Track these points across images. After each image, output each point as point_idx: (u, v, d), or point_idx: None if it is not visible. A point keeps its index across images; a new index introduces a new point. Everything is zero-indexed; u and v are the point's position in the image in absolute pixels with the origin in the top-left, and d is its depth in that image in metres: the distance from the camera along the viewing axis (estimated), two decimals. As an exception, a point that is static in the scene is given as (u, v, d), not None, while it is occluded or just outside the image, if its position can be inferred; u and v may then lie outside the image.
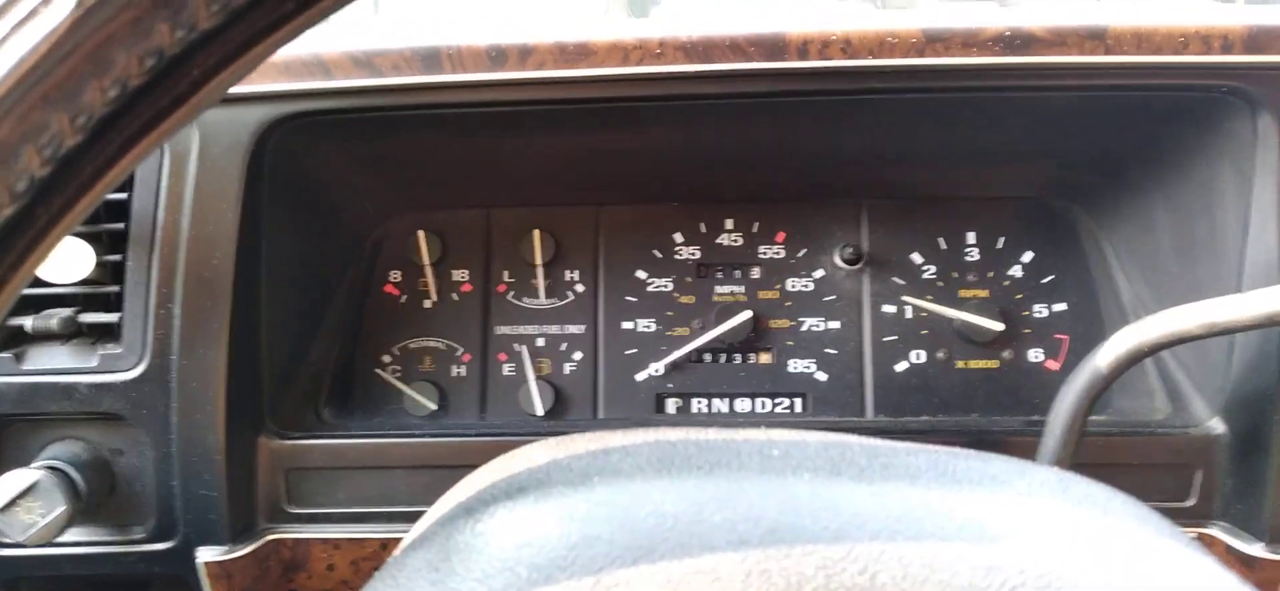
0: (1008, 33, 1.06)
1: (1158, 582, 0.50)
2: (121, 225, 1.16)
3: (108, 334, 1.20)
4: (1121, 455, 1.21)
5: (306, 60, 1.09)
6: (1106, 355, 1.02)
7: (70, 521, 1.16)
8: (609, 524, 0.52)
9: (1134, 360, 1.01)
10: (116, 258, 1.17)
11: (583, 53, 1.08)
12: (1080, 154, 1.30)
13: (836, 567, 0.48)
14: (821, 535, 0.51)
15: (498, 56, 1.08)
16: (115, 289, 1.18)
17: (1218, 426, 1.20)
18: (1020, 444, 1.24)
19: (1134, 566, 0.51)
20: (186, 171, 1.14)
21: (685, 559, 0.50)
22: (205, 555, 1.22)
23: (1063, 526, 0.54)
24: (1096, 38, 1.06)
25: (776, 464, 0.59)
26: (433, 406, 1.38)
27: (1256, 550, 1.15)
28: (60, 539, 1.21)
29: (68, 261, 1.15)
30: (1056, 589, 0.48)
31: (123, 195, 1.15)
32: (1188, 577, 0.52)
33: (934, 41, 1.07)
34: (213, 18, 0.47)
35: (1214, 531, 1.20)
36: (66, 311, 1.18)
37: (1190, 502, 1.21)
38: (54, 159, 0.46)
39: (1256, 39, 1.06)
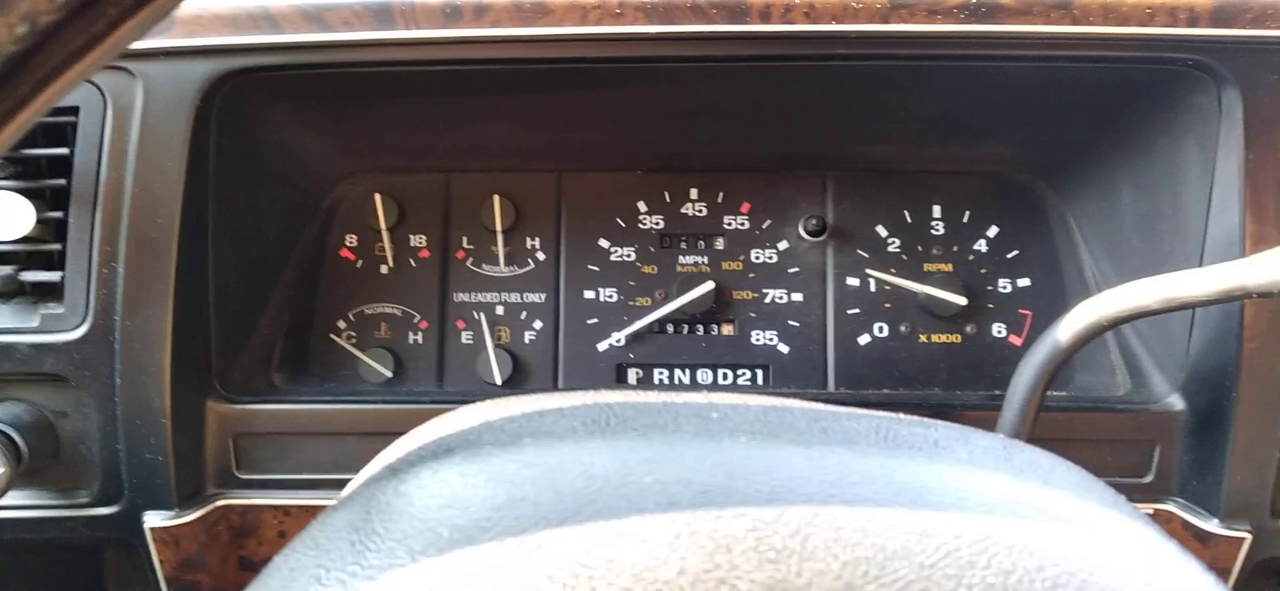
0: (973, 1, 1.04)
1: (1098, 551, 0.49)
2: (63, 181, 1.12)
3: (49, 293, 1.17)
4: (1081, 430, 1.21)
5: (253, 13, 1.05)
6: (1066, 329, 1.01)
7: (10, 484, 1.13)
8: (535, 485, 0.51)
9: (1094, 334, 1.00)
10: (58, 215, 1.14)
11: (540, 11, 1.05)
12: (1046, 128, 1.29)
13: (768, 529, 0.47)
14: (754, 497, 0.49)
15: (452, 13, 1.05)
16: (57, 247, 1.14)
17: (1177, 403, 1.20)
18: (980, 418, 1.23)
19: (1073, 534, 0.50)
20: (130, 127, 1.10)
21: (613, 520, 0.48)
22: (152, 520, 1.19)
23: (1002, 493, 0.52)
24: (1063, 8, 1.05)
25: (713, 426, 0.57)
26: (388, 374, 1.36)
27: (1212, 526, 1.16)
28: (2, 502, 1.19)
29: (8, 218, 1.12)
30: (992, 555, 0.46)
31: (64, 150, 1.12)
32: (1129, 547, 0.51)
33: (899, 8, 1.05)
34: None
35: (1171, 507, 1.20)
36: (7, 269, 1.15)
37: (1148, 478, 1.21)
38: (-44, 99, 0.44)
39: (1222, 13, 1.05)
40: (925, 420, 0.61)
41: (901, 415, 0.62)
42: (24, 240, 1.14)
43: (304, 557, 0.52)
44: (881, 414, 0.61)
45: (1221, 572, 1.15)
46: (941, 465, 0.55)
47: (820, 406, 0.62)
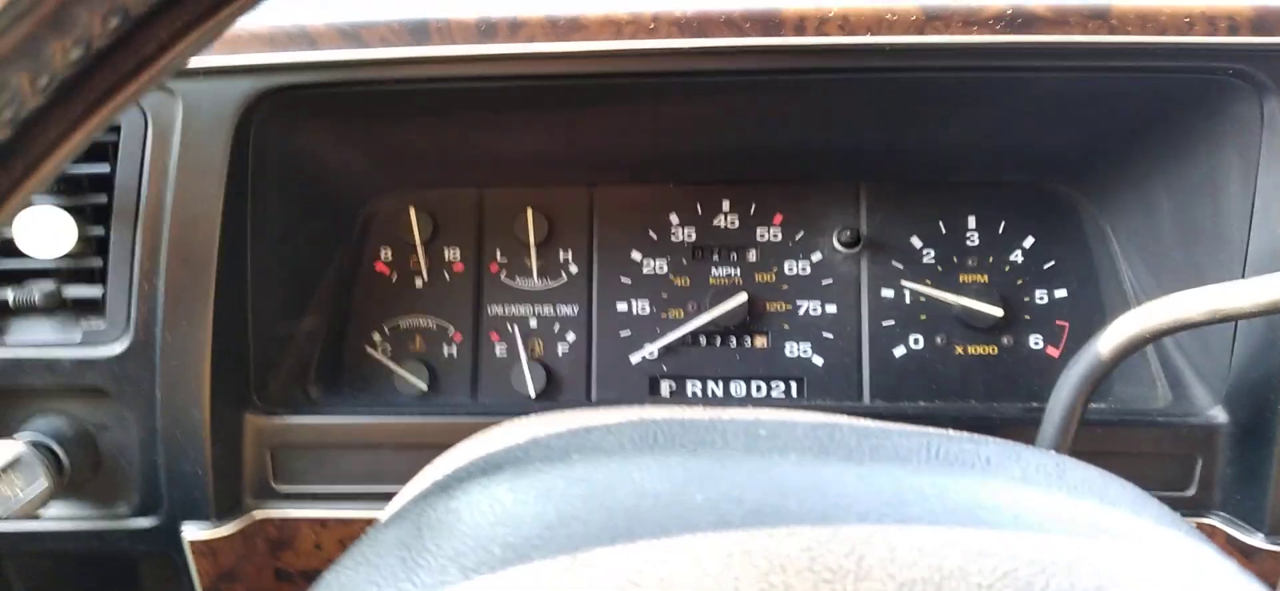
0: (1009, 11, 1.04)
1: (1155, 570, 0.48)
2: (104, 198, 1.14)
3: (91, 308, 1.18)
4: (1121, 444, 1.19)
5: (291, 32, 1.06)
6: (1107, 341, 1.00)
7: (52, 496, 1.14)
8: (587, 503, 0.51)
9: (1135, 347, 0.99)
10: (100, 231, 1.15)
11: (574, 26, 1.05)
12: (1083, 137, 1.27)
13: (822, 549, 0.46)
14: (807, 516, 0.49)
15: (487, 29, 1.06)
16: (98, 263, 1.16)
17: (1219, 415, 1.18)
18: (1019, 431, 1.20)
19: (1131, 553, 0.50)
20: (170, 144, 1.12)
21: (665, 539, 0.48)
22: (190, 532, 1.20)
23: (1058, 511, 0.52)
24: (1100, 17, 1.04)
25: (763, 444, 0.57)
26: (423, 386, 1.36)
27: (1257, 540, 1.14)
28: (43, 514, 1.20)
29: (50, 234, 1.13)
30: (1050, 575, 0.46)
31: (105, 168, 1.13)
32: (1186, 565, 0.50)
33: (934, 19, 1.04)
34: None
35: (1213, 521, 1.18)
36: (49, 285, 1.16)
37: (1190, 492, 1.19)
38: (14, 122, 0.44)
39: (1264, 20, 1.04)
40: (975, 437, 0.61)
41: (950, 432, 0.61)
42: (66, 256, 1.16)
43: (355, 574, 0.52)
44: (931, 430, 0.61)
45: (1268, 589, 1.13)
46: (995, 483, 0.55)
47: (868, 423, 0.61)
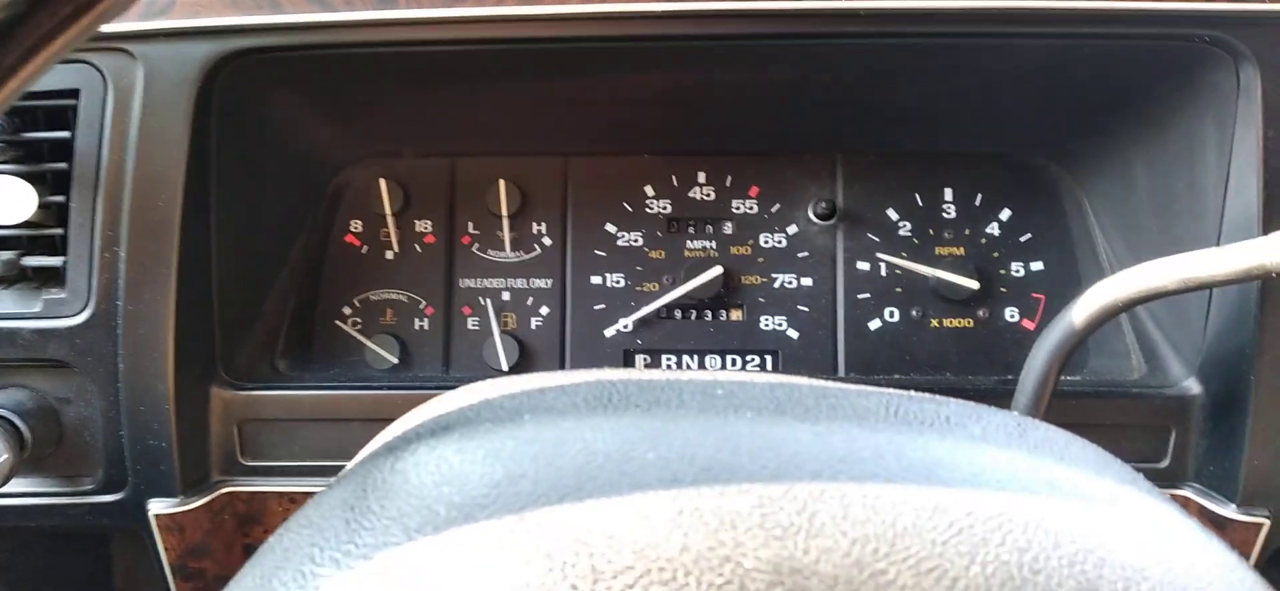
0: (984, -26, 1.02)
1: (1115, 527, 0.47)
2: (64, 165, 1.11)
3: (52, 278, 1.16)
4: (1095, 415, 1.19)
5: (255, -8, 1.04)
6: (1080, 311, 0.99)
7: (14, 471, 1.12)
8: (535, 462, 0.49)
9: (1109, 316, 0.98)
10: (60, 199, 1.13)
11: (543, -12, 1.04)
12: (1059, 108, 1.26)
13: (773, 506, 0.45)
14: (759, 473, 0.48)
15: (455, -9, 1.04)
16: (59, 231, 1.14)
17: (1193, 387, 1.18)
18: (993, 403, 1.18)
19: (1090, 511, 0.49)
20: (131, 109, 1.09)
21: (614, 496, 0.47)
22: (156, 507, 1.18)
23: (1016, 469, 0.51)
24: (1076, -19, 1.03)
25: (718, 403, 0.56)
26: (394, 360, 1.34)
27: (1229, 511, 1.14)
28: (5, 489, 1.18)
29: (9, 203, 1.11)
30: (1006, 531, 0.45)
31: (65, 134, 1.11)
32: (1147, 522, 0.49)
33: (908, -17, 1.03)
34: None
35: (1187, 493, 1.18)
36: (8, 254, 1.14)
37: (1164, 464, 1.19)
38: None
39: (1241, -14, 1.03)
40: (936, 397, 0.60)
41: (912, 392, 0.60)
42: (26, 225, 1.13)
43: (298, 536, 0.51)
44: (891, 391, 0.60)
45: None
46: (953, 441, 0.53)
47: (828, 383, 0.60)
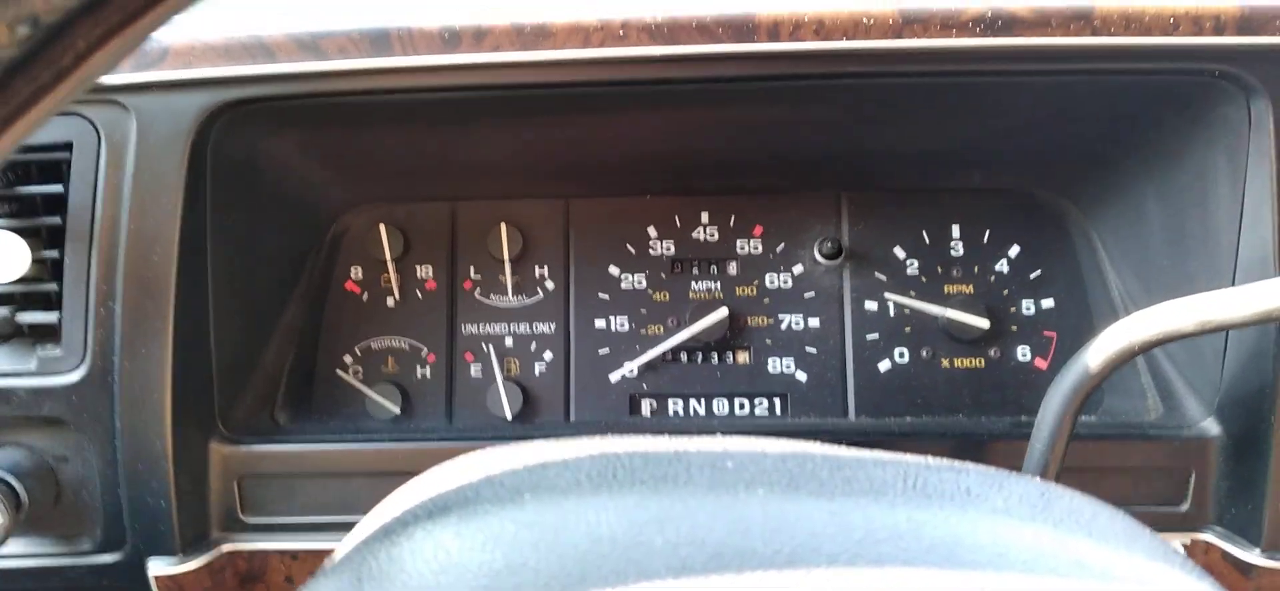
0: (989, 13, 1.01)
1: (1148, 610, 0.45)
2: (58, 220, 1.10)
3: (47, 335, 1.14)
4: (1113, 458, 1.16)
5: (247, 43, 1.03)
6: (1096, 354, 0.97)
7: (10, 532, 1.10)
8: (536, 549, 0.47)
9: (1126, 359, 0.96)
10: (54, 254, 1.11)
11: (541, 34, 1.02)
12: (1068, 143, 1.24)
13: (788, 597, 0.43)
14: (773, 559, 0.45)
15: (451, 38, 1.02)
16: (54, 287, 1.12)
17: (1212, 428, 1.15)
18: (1008, 447, 1.19)
19: (1122, 592, 0.46)
20: (124, 162, 1.08)
21: (620, 586, 0.44)
22: (156, 567, 1.16)
23: (1042, 546, 0.48)
24: (1082, 18, 1.01)
25: (729, 478, 0.53)
26: (396, 409, 1.32)
27: (1253, 556, 1.10)
28: (2, 551, 1.16)
29: (3, 258, 1.09)
30: (1035, 620, 0.42)
31: (58, 188, 1.09)
32: (1182, 604, 0.47)
33: (912, 23, 1.01)
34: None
35: (1209, 537, 1.15)
36: (3, 311, 1.12)
37: (1184, 507, 1.16)
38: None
39: (1250, 20, 1.01)
40: (955, 465, 0.57)
41: (931, 460, 0.58)
42: (20, 281, 1.12)
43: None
44: (909, 458, 0.57)
45: (1265, 605, 1.10)
46: (975, 515, 0.51)
47: (843, 452, 0.58)
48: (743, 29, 1.02)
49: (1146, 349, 0.95)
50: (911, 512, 0.50)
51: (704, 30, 1.02)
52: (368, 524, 0.59)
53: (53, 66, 0.44)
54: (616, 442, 0.59)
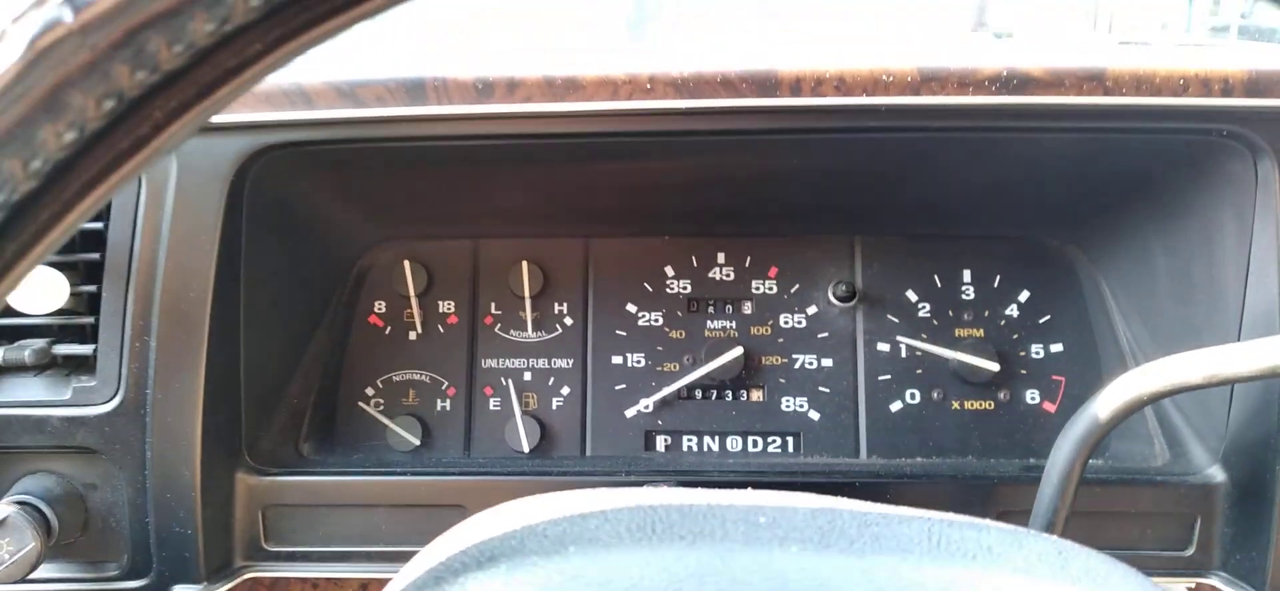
0: (1005, 73, 1.04)
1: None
2: (97, 255, 1.13)
3: (82, 366, 1.17)
4: (1120, 503, 1.19)
5: (288, 90, 1.06)
6: (1105, 403, 0.99)
7: (41, 558, 1.12)
8: (584, 600, 0.50)
9: (1134, 409, 0.98)
10: (92, 288, 1.14)
11: (571, 87, 1.05)
12: (1078, 194, 1.28)
13: (823, 652, 0.46)
14: (808, 615, 0.48)
15: (485, 89, 1.06)
16: (90, 320, 1.15)
17: (1217, 474, 1.18)
18: (1017, 489, 1.21)
19: (1137, 651, 0.49)
20: (164, 202, 1.11)
21: (663, 639, 0.47)
22: (180, 594, 1.18)
23: (1062, 607, 0.51)
24: (1095, 79, 1.04)
25: (763, 534, 0.56)
26: (416, 442, 1.35)
27: (1258, 602, 1.13)
28: (32, 576, 1.18)
29: (42, 292, 1.12)
30: (1055, 678, 0.45)
31: (99, 225, 1.13)
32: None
33: (930, 81, 1.05)
34: (176, 59, 0.45)
35: (1214, 581, 1.18)
36: (40, 342, 1.15)
37: (1189, 552, 1.18)
38: (6, 205, 0.44)
39: (1257, 83, 1.04)
40: (977, 522, 0.60)
41: (953, 516, 0.60)
42: (57, 313, 1.15)
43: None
44: (933, 515, 0.60)
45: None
46: (997, 574, 0.54)
47: (870, 507, 0.61)
48: (766, 85, 1.05)
49: (1154, 400, 0.98)
50: (937, 569, 0.53)
51: (728, 86, 1.05)
52: (415, 569, 0.62)
53: (132, 135, 0.47)
54: (653, 494, 0.62)
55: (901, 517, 0.59)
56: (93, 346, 1.15)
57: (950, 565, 0.54)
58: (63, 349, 1.16)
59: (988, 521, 0.61)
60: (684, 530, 0.56)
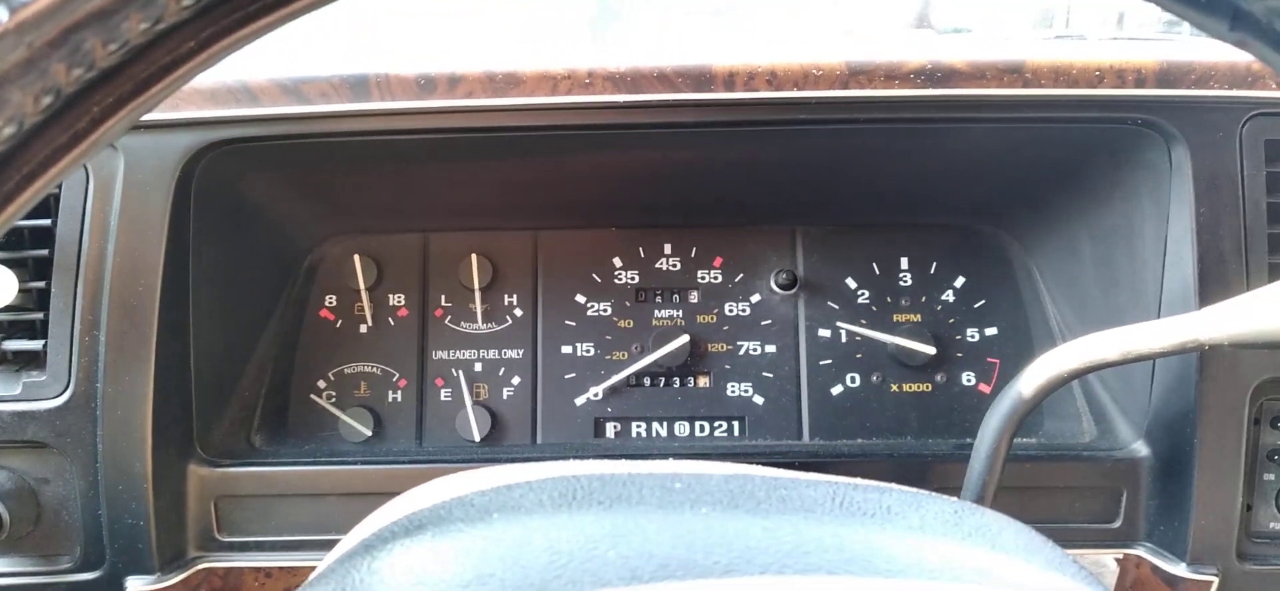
0: (929, 66, 1.08)
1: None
2: (46, 251, 1.14)
3: (31, 361, 1.18)
4: (1049, 478, 1.24)
5: (233, 87, 1.08)
6: (1028, 381, 1.04)
7: (-8, 552, 1.14)
8: (503, 561, 0.53)
9: (1055, 386, 1.03)
10: (40, 284, 1.15)
11: (511, 82, 1.08)
12: (1007, 183, 1.32)
13: (724, 602, 0.49)
14: (712, 568, 0.51)
15: (426, 85, 1.08)
16: (39, 315, 1.16)
17: (1141, 449, 1.23)
18: (950, 467, 1.26)
19: (1017, 597, 0.53)
20: (112, 197, 1.13)
21: (577, 595, 0.50)
22: (134, 585, 1.20)
23: (949, 558, 0.55)
24: (1015, 72, 1.09)
25: (676, 498, 0.59)
26: (368, 432, 1.37)
27: (1180, 570, 1.18)
28: (-18, 570, 1.19)
29: (-10, 288, 1.13)
30: (938, 621, 0.49)
31: (47, 221, 1.14)
32: (1071, 608, 0.53)
33: (857, 74, 1.09)
34: (112, 57, 0.47)
35: (1140, 552, 1.23)
36: (-11, 338, 1.16)
37: (1116, 524, 1.23)
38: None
39: (1168, 73, 1.10)
40: (882, 485, 0.64)
41: (859, 481, 0.64)
42: (6, 310, 1.16)
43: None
44: (840, 480, 0.64)
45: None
46: (892, 531, 0.57)
47: (782, 473, 0.64)
48: (701, 79, 1.09)
49: (1075, 376, 1.03)
50: (836, 528, 0.56)
51: (665, 80, 1.09)
52: (348, 541, 0.65)
53: (70, 129, 0.49)
54: (576, 466, 0.65)
55: (809, 482, 0.63)
56: (42, 341, 1.16)
57: (849, 523, 0.58)
58: (12, 344, 1.17)
59: (891, 485, 0.65)
60: (603, 496, 0.60)
